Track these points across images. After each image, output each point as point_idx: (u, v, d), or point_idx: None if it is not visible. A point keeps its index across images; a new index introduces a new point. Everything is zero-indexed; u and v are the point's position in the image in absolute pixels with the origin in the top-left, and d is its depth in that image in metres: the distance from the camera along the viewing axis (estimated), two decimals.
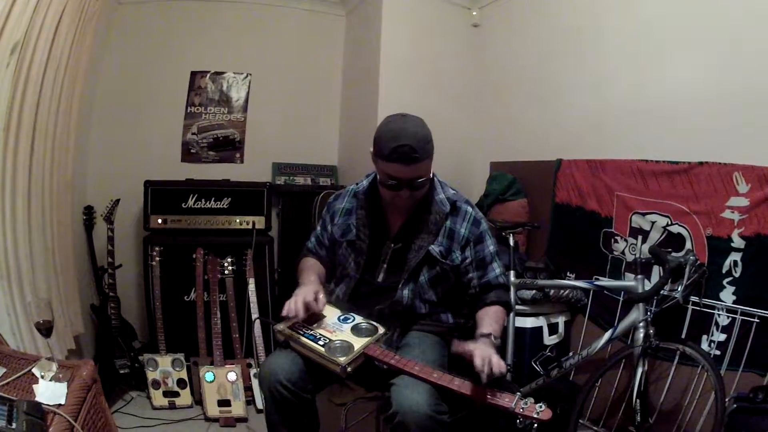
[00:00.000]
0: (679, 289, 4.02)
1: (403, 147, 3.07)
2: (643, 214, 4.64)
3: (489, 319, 3.27)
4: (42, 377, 2.81)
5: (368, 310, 3.40)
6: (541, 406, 2.65)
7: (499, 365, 2.82)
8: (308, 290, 3.24)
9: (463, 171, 6.30)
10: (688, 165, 4.30)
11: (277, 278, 6.03)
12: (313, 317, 3.24)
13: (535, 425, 2.69)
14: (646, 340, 4.05)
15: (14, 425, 2.28)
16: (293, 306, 3.13)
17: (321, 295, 3.27)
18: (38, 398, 2.65)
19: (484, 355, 2.84)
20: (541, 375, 4.59)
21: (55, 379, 2.84)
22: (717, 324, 4.17)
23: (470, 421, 3.85)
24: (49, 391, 2.73)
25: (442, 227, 3.41)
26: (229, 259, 5.45)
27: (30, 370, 2.86)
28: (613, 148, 4.89)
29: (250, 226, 5.84)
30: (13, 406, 2.37)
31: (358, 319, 3.30)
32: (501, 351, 4.52)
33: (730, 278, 4.12)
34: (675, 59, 4.47)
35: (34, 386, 2.75)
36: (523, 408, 2.67)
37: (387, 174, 3.23)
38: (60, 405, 2.70)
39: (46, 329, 3.05)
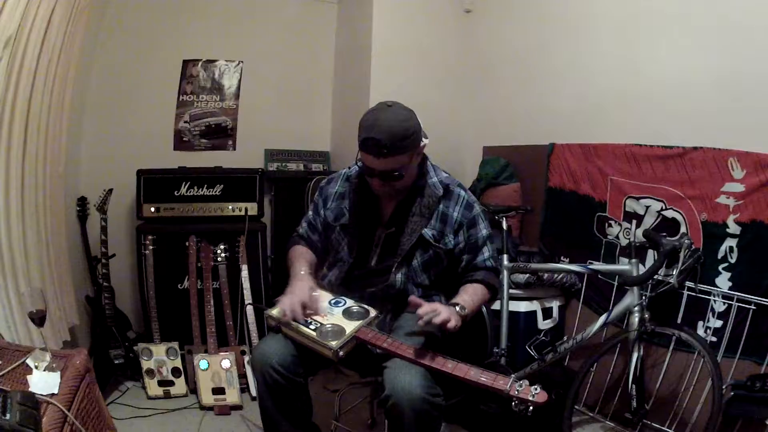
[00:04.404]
0: (674, 274, 4.00)
1: (373, 140, 3.10)
2: (637, 198, 4.65)
3: (465, 292, 3.32)
4: (36, 367, 2.81)
5: (361, 293, 3.41)
6: (536, 389, 2.67)
7: (442, 318, 2.89)
8: (302, 289, 3.26)
9: (456, 155, 6.30)
10: (682, 149, 4.31)
11: (270, 265, 6.02)
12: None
13: (531, 408, 2.67)
14: (641, 325, 4.06)
15: (8, 416, 2.27)
16: (288, 308, 3.14)
17: (314, 293, 3.29)
18: (32, 388, 2.65)
19: (433, 306, 2.94)
20: (536, 359, 4.58)
21: (48, 369, 2.83)
22: (713, 310, 4.18)
23: (464, 405, 3.86)
24: (43, 381, 2.73)
25: (435, 211, 3.42)
26: (222, 246, 5.43)
27: (24, 362, 2.86)
28: (607, 132, 4.89)
29: (242, 213, 5.81)
30: (7, 397, 2.37)
31: (350, 302, 3.32)
32: (495, 335, 4.56)
33: (726, 264, 4.13)
34: (669, 42, 4.46)
35: (28, 377, 2.74)
36: (518, 390, 2.67)
37: (363, 161, 3.28)
38: (53, 394, 2.69)
39: (39, 318, 3.05)
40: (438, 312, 2.90)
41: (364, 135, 3.14)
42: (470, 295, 3.30)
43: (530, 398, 2.64)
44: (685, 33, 4.35)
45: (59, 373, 2.82)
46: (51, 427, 2.46)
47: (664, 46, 4.49)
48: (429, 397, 2.85)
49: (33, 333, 3.68)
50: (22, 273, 3.91)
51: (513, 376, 2.79)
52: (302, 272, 3.41)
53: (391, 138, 3.09)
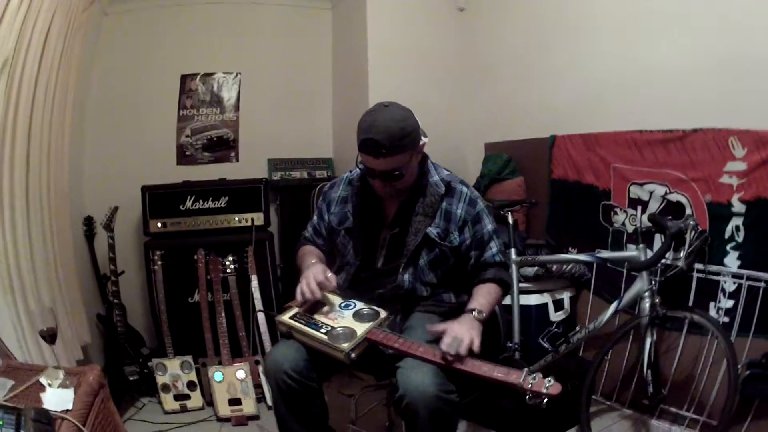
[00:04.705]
0: (681, 256, 4.00)
1: (371, 140, 3.10)
2: (641, 185, 4.63)
3: (479, 295, 3.31)
4: (49, 385, 2.82)
5: (370, 295, 3.40)
6: (549, 381, 2.65)
7: (467, 346, 2.87)
8: (316, 270, 3.27)
9: (458, 154, 6.28)
10: (682, 132, 4.29)
11: (279, 274, 6.03)
12: (315, 306, 3.25)
13: (545, 401, 2.66)
14: (653, 310, 4.04)
15: None
16: (306, 288, 3.16)
17: (330, 273, 3.29)
18: (45, 405, 2.65)
19: (453, 334, 2.92)
20: (550, 351, 4.59)
21: (62, 386, 2.84)
22: (723, 290, 4.15)
23: (482, 401, 3.85)
24: (56, 398, 2.74)
25: (438, 209, 3.41)
26: (231, 258, 5.44)
27: (37, 380, 2.86)
28: (607, 121, 4.87)
29: (249, 223, 5.84)
30: (21, 415, 2.37)
31: (360, 304, 3.30)
32: (507, 329, 4.60)
33: (733, 243, 4.10)
34: (664, 26, 4.44)
35: (42, 394, 2.75)
36: (531, 383, 2.66)
37: (363, 162, 3.29)
38: (68, 410, 2.70)
39: (50, 336, 3.06)
40: (461, 340, 2.88)
41: (362, 136, 3.14)
42: (484, 296, 3.29)
43: (544, 391, 2.63)
44: (679, 17, 4.33)
45: (73, 389, 2.83)
46: None
47: (660, 30, 4.48)
48: (443, 395, 2.84)
49: (45, 352, 3.68)
50: (32, 292, 3.92)
51: (526, 369, 2.76)
52: (313, 261, 3.43)
53: (390, 138, 3.09)
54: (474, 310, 3.13)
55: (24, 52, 3.86)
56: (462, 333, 2.92)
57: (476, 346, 2.90)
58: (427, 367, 2.89)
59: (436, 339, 2.99)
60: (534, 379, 2.67)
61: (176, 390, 5.12)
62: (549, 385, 2.64)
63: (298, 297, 3.19)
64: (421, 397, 2.80)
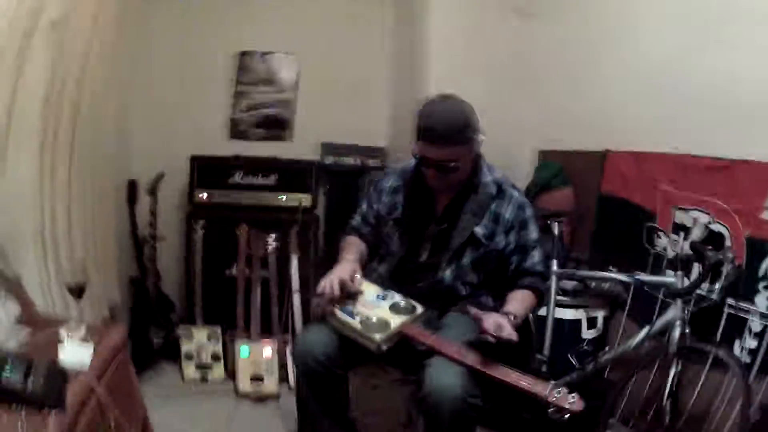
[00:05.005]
0: (716, 288, 3.95)
1: (430, 128, 3.12)
2: (686, 210, 4.51)
3: (515, 300, 3.28)
4: (69, 338, 2.78)
5: (409, 288, 3.38)
6: (573, 397, 2.63)
7: (509, 332, 2.86)
8: (345, 269, 3.26)
9: (509, 158, 6.07)
10: (730, 162, 4.16)
11: (321, 256, 6.02)
12: (350, 296, 3.21)
13: (567, 416, 2.63)
14: (682, 340, 3.96)
15: (29, 383, 2.23)
16: (327, 284, 3.14)
17: (357, 275, 3.27)
18: (61, 358, 2.62)
19: (498, 320, 2.90)
20: (576, 369, 4.54)
21: (83, 340, 2.81)
22: (750, 330, 4.02)
23: (497, 410, 3.80)
24: (74, 352, 2.70)
25: (487, 210, 3.38)
26: (273, 236, 5.45)
27: (56, 332, 2.83)
28: (658, 139, 4.74)
29: (296, 204, 5.82)
30: (31, 365, 2.33)
31: (397, 297, 3.28)
32: (538, 341, 4.55)
33: (766, 283, 3.95)
34: (731, 44, 4.26)
35: (59, 347, 2.72)
36: (556, 397, 2.64)
37: (418, 150, 3.25)
38: (84, 367, 2.66)
39: (78, 290, 3.03)
40: (503, 328, 2.87)
41: (423, 123, 3.16)
42: (520, 302, 3.27)
43: (567, 406, 2.61)
44: (747, 35, 4.12)
45: (92, 345, 2.79)
46: (76, 399, 2.42)
47: (726, 49, 4.27)
48: (468, 398, 2.81)
49: (70, 306, 3.63)
50: (65, 246, 3.93)
51: (552, 383, 2.73)
52: (349, 257, 3.43)
53: (450, 128, 3.09)
54: (509, 313, 3.09)
55: (76, 14, 3.85)
56: (505, 322, 2.91)
57: (515, 337, 2.88)
58: (455, 368, 2.86)
59: (473, 345, 2.95)
60: (559, 393, 2.66)
61: (199, 359, 5.16)
62: (572, 401, 2.63)
63: (319, 289, 3.18)
64: (447, 397, 2.78)
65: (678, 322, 3.97)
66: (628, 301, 4.89)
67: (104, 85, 4.45)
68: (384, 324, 3.05)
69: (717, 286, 3.92)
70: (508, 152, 5.78)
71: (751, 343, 3.95)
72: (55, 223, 3.84)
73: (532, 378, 2.77)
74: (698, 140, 4.35)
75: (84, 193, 4.24)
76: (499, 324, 2.88)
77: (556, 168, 5.54)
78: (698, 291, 4.01)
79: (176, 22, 6.10)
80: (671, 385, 3.91)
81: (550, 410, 2.64)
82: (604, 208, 5.25)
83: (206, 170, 5.76)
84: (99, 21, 4.13)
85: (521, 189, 3.73)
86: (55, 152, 3.83)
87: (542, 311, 4.43)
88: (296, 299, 5.40)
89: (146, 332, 5.20)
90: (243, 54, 6.47)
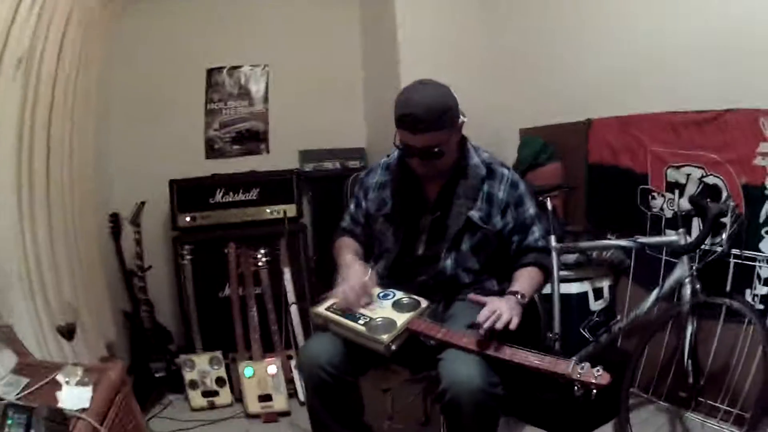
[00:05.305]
0: (723, 238, 3.90)
1: (410, 115, 3.01)
2: (678, 167, 4.53)
3: (521, 278, 3.21)
4: (66, 383, 2.73)
5: (410, 283, 3.30)
6: (599, 371, 2.51)
7: (504, 321, 2.75)
8: (358, 271, 3.20)
9: (493, 141, 5.97)
10: (716, 113, 4.18)
11: (313, 265, 5.96)
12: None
13: (594, 391, 2.52)
14: (694, 296, 3.95)
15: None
16: (350, 292, 3.07)
17: (371, 271, 3.23)
18: (61, 404, 2.58)
19: (494, 308, 2.80)
20: (591, 342, 4.52)
21: (80, 383, 2.76)
22: (759, 276, 4.05)
23: (519, 395, 3.72)
24: (73, 396, 2.67)
25: (480, 192, 3.30)
26: (263, 251, 5.35)
27: (54, 378, 2.78)
28: (642, 102, 4.77)
29: (281, 215, 5.73)
30: (32, 414, 2.26)
31: (399, 294, 3.18)
32: (548, 319, 4.57)
33: None
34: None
35: (58, 393, 2.67)
36: (580, 374, 2.53)
37: (400, 140, 3.18)
38: (84, 409, 2.60)
39: (68, 332, 2.99)
40: (499, 314, 2.77)
41: (400, 111, 3.05)
42: (527, 279, 3.20)
43: (593, 381, 2.49)
44: None
45: (91, 387, 2.74)
46: None
47: (693, 6, 4.37)
48: (489, 388, 2.71)
49: (66, 349, 3.63)
50: (52, 287, 3.85)
51: (574, 359, 2.63)
52: (349, 257, 3.35)
53: (429, 112, 2.99)
54: (517, 293, 3.01)
55: (40, 49, 3.81)
56: (503, 308, 2.81)
57: (514, 324, 2.78)
58: (471, 358, 2.76)
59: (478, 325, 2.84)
60: (583, 369, 2.54)
61: (204, 386, 5.05)
62: (598, 375, 2.51)
63: (342, 302, 3.07)
64: (466, 390, 2.67)
65: (687, 280, 3.98)
66: (632, 266, 4.89)
67: (75, 119, 4.39)
68: (389, 324, 2.95)
69: (724, 236, 3.89)
70: (490, 135, 5.74)
71: (762, 289, 3.98)
72: (40, 267, 3.77)
73: (553, 358, 2.66)
74: (683, 96, 4.38)
75: (66, 231, 4.19)
76: (493, 312, 2.78)
77: (539, 144, 5.52)
78: (703, 245, 3.98)
79: (143, 48, 6.05)
80: (690, 344, 3.90)
81: (576, 388, 2.53)
82: (593, 177, 5.24)
83: (187, 193, 5.67)
84: (63, 55, 4.08)
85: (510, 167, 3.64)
86: (33, 194, 3.78)
87: (547, 289, 4.37)
88: (294, 312, 5.33)
89: (146, 365, 5.12)
90: (211, 71, 6.41)
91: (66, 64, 4.14)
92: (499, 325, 2.72)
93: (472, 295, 3.00)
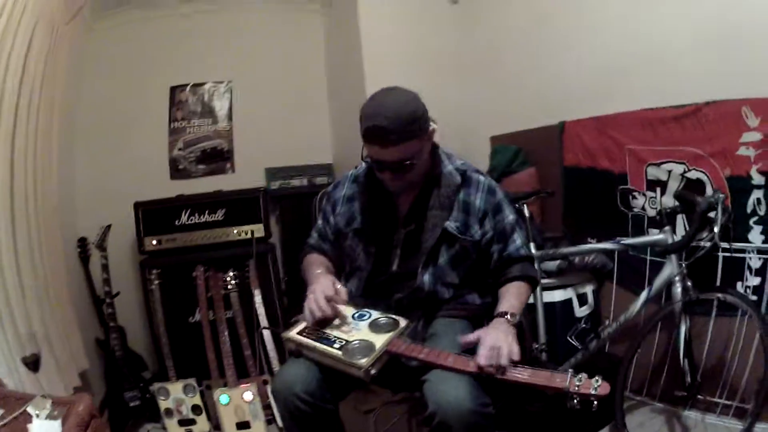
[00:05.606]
0: (715, 232, 3.80)
1: (378, 128, 2.83)
2: (658, 165, 4.52)
3: (509, 295, 3.05)
4: (36, 416, 2.64)
5: (386, 302, 3.15)
6: (597, 381, 2.42)
7: (506, 356, 2.62)
8: (325, 284, 3.01)
9: (464, 150, 5.94)
10: (695, 107, 4.19)
11: (284, 287, 5.89)
12: (325, 319, 2.95)
13: (595, 402, 2.42)
14: (686, 294, 3.92)
15: None
16: (314, 305, 2.90)
17: (339, 285, 3.03)
18: None
19: (490, 344, 2.66)
20: (579, 350, 4.48)
21: (49, 417, 2.66)
22: (750, 268, 4.06)
23: (503, 408, 3.63)
24: (43, 430, 2.58)
25: (455, 201, 3.15)
26: (232, 273, 5.22)
27: (25, 410, 2.68)
28: (617, 101, 4.77)
29: (249, 236, 5.63)
30: None
31: (376, 314, 3.03)
32: (532, 330, 4.51)
33: (756, 217, 4.03)
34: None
35: (29, 426, 2.60)
36: (578, 386, 2.43)
37: (368, 154, 3.03)
38: None
39: (33, 363, 2.89)
40: (499, 349, 2.63)
41: (367, 123, 2.86)
42: (515, 296, 3.05)
43: (593, 392, 2.40)
44: None
45: (60, 421, 2.65)
46: None
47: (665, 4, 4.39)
48: (480, 409, 2.58)
49: (41, 378, 3.59)
50: (21, 317, 3.78)
51: (571, 371, 2.52)
52: (319, 272, 3.18)
53: (398, 123, 2.82)
54: (506, 313, 2.88)
55: (2, 69, 3.73)
56: (499, 341, 2.67)
57: (515, 354, 2.64)
58: (458, 378, 2.63)
59: (469, 350, 2.74)
60: (580, 380, 2.44)
61: (180, 415, 4.92)
62: (597, 386, 2.41)
63: (308, 316, 2.93)
64: (455, 413, 2.54)
65: (678, 278, 3.98)
66: (615, 269, 4.90)
67: (39, 140, 4.33)
68: (367, 346, 2.80)
69: (715, 230, 3.82)
70: (461, 144, 5.74)
71: (754, 280, 4.02)
72: (7, 296, 3.70)
73: (547, 371, 2.57)
74: (660, 92, 4.43)
75: (32, 259, 4.12)
76: (492, 349, 2.65)
77: (513, 150, 5.50)
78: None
79: (106, 68, 6.00)
80: (685, 343, 3.91)
81: (574, 401, 2.42)
82: (570, 181, 5.23)
83: (152, 215, 5.58)
84: (27, 74, 4.04)
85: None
86: None
87: (530, 298, 4.28)
88: (267, 335, 5.21)
89: (120, 394, 5.01)
90: (174, 88, 6.35)
91: (29, 83, 4.09)
92: (503, 362, 2.60)
93: (463, 339, 2.83)
